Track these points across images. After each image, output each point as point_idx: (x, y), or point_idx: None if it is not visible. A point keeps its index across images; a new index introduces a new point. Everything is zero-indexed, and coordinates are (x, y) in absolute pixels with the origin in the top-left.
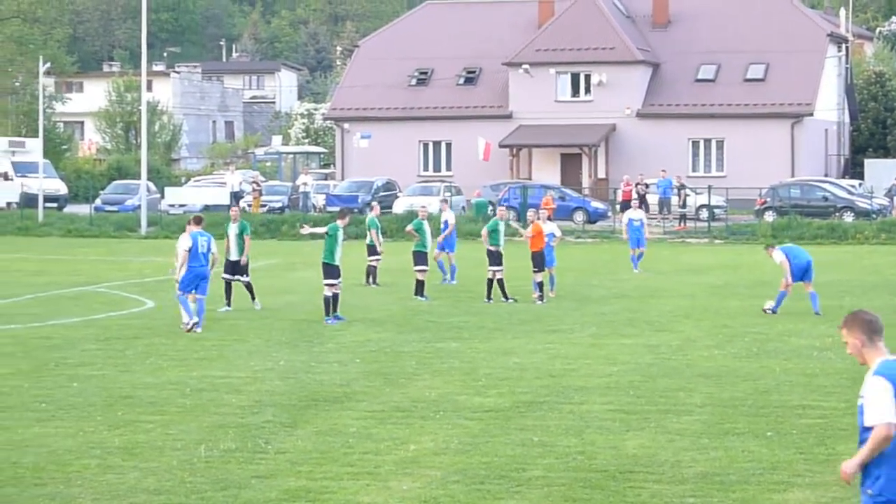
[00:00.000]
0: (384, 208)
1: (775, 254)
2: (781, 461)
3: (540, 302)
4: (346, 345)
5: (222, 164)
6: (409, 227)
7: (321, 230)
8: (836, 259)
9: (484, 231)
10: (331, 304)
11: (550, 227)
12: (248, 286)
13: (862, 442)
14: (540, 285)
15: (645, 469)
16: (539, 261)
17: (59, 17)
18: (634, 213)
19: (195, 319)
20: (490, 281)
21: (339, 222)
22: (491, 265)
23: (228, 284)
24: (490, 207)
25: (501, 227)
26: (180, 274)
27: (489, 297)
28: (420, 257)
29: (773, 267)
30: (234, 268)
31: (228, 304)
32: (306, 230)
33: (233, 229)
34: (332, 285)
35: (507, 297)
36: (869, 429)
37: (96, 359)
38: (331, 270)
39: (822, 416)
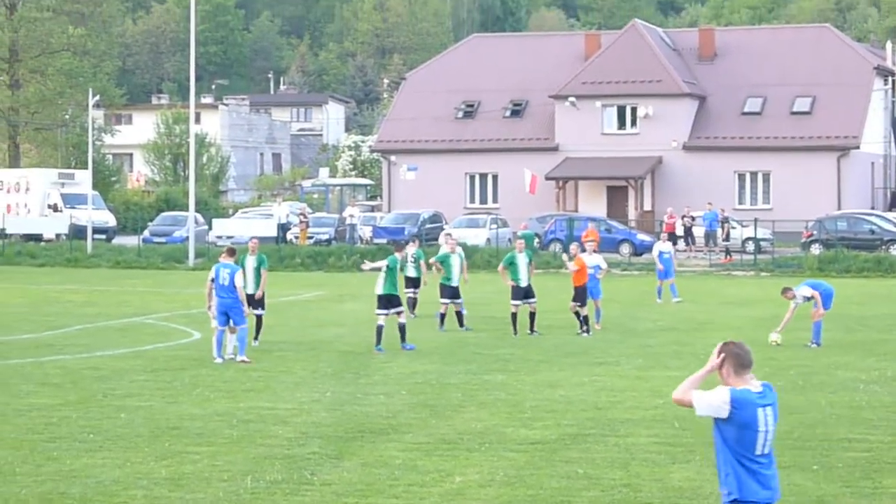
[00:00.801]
0: (430, 240)
1: (803, 290)
2: (827, 494)
3: (586, 335)
4: (392, 376)
5: (270, 196)
6: (433, 260)
7: (381, 264)
8: (883, 292)
9: (500, 266)
10: (382, 333)
11: (596, 260)
12: (259, 320)
13: None
14: (585, 319)
15: (690, 501)
16: (581, 295)
17: (108, 50)
18: (664, 245)
19: (219, 359)
20: (513, 315)
21: (398, 254)
22: (513, 299)
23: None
24: (536, 240)
25: (520, 261)
26: (212, 306)
27: (515, 331)
28: (445, 290)
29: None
30: (250, 301)
31: (255, 339)
32: (367, 266)
33: (250, 262)
34: (386, 315)
35: (532, 330)
36: None
37: (144, 390)
38: (389, 300)
39: (868, 449)
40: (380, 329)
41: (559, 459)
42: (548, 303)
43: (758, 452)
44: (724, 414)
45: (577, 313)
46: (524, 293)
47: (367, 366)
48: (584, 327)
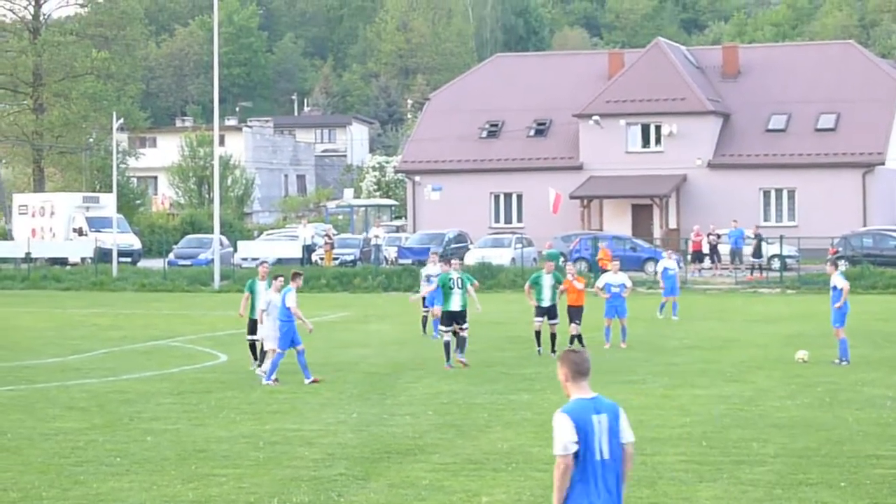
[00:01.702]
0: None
1: (840, 277)
2: None
3: (553, 355)
4: (417, 397)
5: (294, 218)
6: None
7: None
8: None
9: (526, 285)
10: (450, 348)
11: (621, 278)
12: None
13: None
14: (580, 338)
15: None
16: (574, 314)
17: (132, 74)
18: (669, 262)
19: (267, 381)
20: (536, 332)
21: (446, 268)
22: (536, 317)
23: (252, 344)
24: (562, 258)
25: (545, 281)
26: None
27: (539, 346)
28: (445, 316)
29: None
30: (254, 326)
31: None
32: (414, 298)
33: (261, 287)
34: (448, 331)
35: (553, 351)
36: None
37: (170, 413)
38: (451, 316)
39: (895, 466)
40: (446, 345)
41: None
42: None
43: (597, 458)
44: (576, 446)
45: (577, 335)
46: (546, 312)
47: (392, 386)
48: (552, 346)
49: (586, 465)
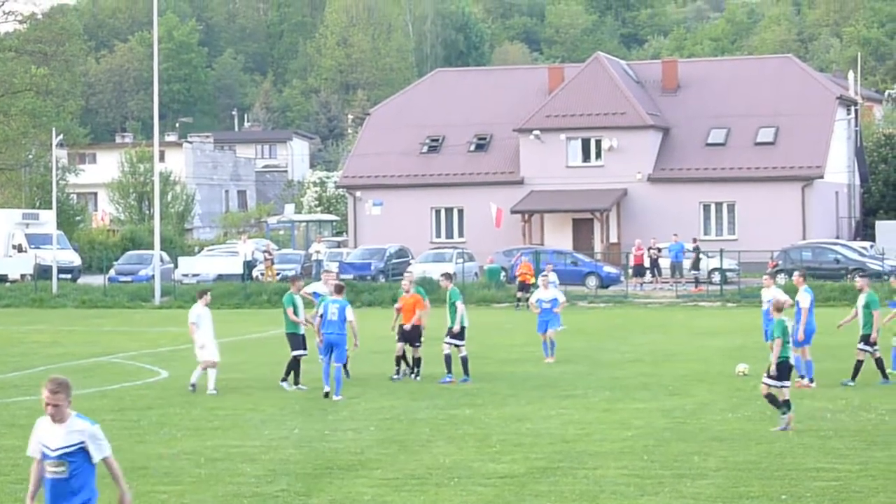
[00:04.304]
0: (397, 275)
1: (805, 294)
2: None
3: (396, 378)
4: (360, 412)
5: (235, 234)
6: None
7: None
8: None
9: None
10: (469, 364)
11: (552, 294)
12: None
13: None
14: (417, 361)
15: None
16: (408, 335)
17: (71, 90)
18: (544, 293)
19: (326, 388)
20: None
21: (447, 284)
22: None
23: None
24: (503, 273)
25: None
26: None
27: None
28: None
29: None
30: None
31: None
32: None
33: (299, 301)
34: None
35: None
36: None
37: (111, 429)
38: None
39: (836, 478)
40: (447, 358)
41: (528, 493)
42: (517, 336)
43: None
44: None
45: (401, 356)
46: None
47: (334, 402)
48: (398, 371)
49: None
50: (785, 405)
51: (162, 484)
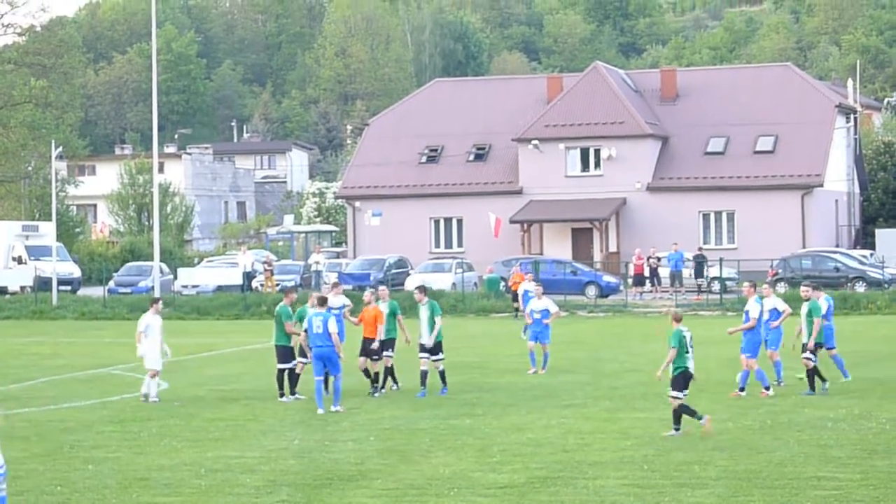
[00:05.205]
0: (396, 286)
1: (824, 299)
2: None
3: (376, 394)
4: (360, 423)
5: (235, 245)
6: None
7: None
8: (848, 329)
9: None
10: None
11: (544, 304)
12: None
13: None
14: (377, 376)
15: None
16: (367, 349)
17: (70, 102)
18: (529, 285)
19: (320, 410)
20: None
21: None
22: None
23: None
24: (502, 283)
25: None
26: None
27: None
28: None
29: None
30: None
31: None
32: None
33: (310, 312)
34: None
35: (396, 383)
36: None
37: (111, 441)
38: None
39: (837, 487)
40: (423, 374)
41: (528, 503)
42: (516, 346)
43: None
44: None
45: (365, 370)
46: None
47: (334, 413)
48: (373, 386)
49: None
50: (683, 412)
51: (162, 495)
